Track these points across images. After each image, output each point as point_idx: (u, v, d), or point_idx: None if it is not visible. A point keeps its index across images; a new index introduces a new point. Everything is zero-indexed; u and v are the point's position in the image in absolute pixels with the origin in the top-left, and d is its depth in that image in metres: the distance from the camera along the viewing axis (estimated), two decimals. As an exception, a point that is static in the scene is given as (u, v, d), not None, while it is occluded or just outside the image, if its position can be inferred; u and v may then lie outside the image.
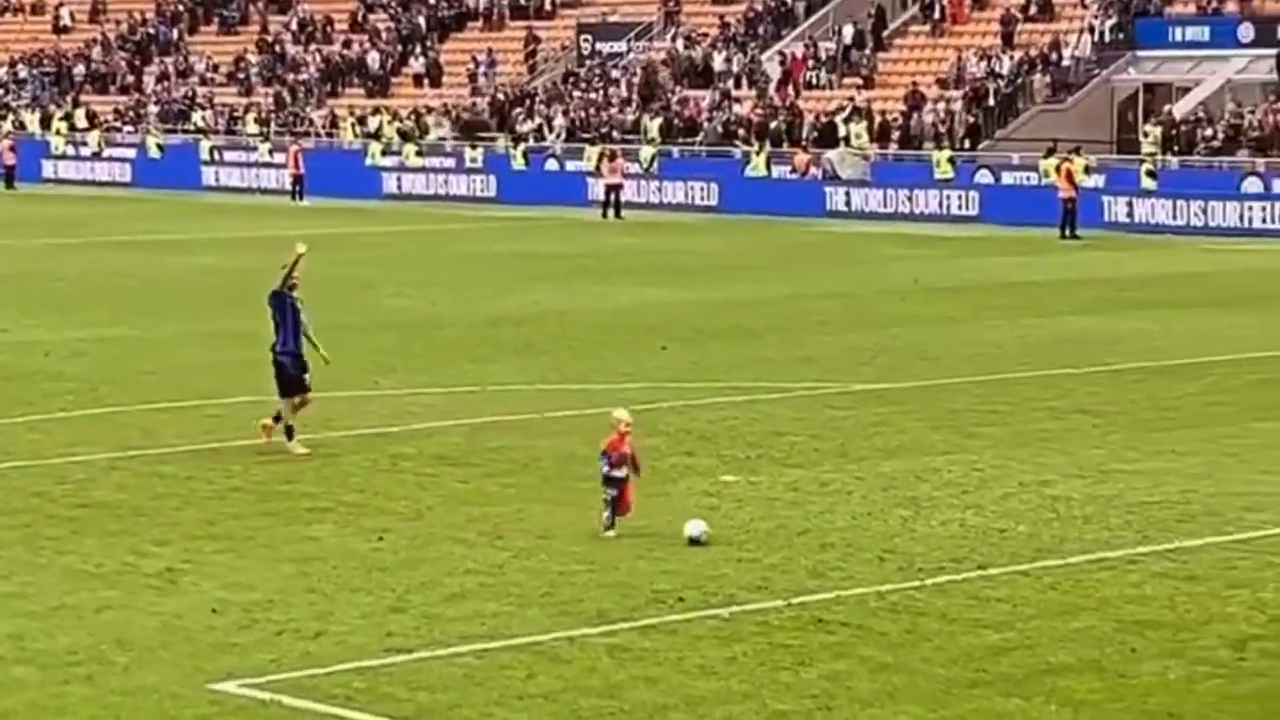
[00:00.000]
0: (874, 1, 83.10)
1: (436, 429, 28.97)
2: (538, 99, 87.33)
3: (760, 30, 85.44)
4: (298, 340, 27.42)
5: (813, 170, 74.05)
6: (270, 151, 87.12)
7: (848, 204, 70.26)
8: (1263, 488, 24.78)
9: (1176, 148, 69.90)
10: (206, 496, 24.68)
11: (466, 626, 18.80)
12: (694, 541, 21.66)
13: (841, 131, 75.76)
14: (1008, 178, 70.49)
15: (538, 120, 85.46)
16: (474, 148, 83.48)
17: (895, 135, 76.30)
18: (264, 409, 28.21)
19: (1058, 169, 64.15)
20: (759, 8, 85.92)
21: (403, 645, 18.16)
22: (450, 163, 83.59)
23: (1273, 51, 71.17)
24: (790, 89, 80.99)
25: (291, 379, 27.23)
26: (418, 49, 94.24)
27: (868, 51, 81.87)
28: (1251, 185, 65.55)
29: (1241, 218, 62.72)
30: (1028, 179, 69.10)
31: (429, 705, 16.52)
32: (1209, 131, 69.62)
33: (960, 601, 19.60)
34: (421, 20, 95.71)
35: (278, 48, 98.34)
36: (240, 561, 21.36)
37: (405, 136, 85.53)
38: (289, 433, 27.13)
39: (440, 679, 17.19)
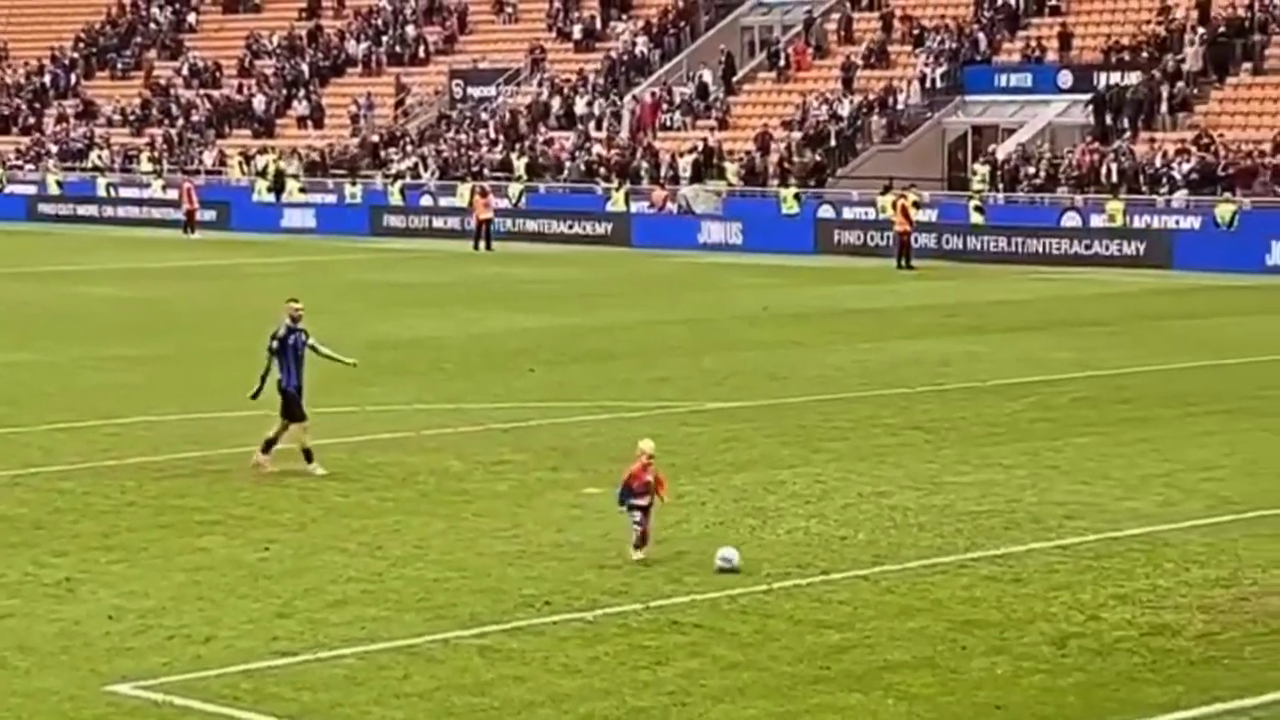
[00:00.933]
0: (724, 50, 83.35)
1: (318, 446, 28.76)
2: (407, 140, 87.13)
3: (617, 77, 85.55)
4: (301, 375, 27.02)
5: (669, 205, 74.21)
6: (164, 188, 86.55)
7: (708, 236, 70.47)
8: (1082, 497, 24.98)
9: (1002, 185, 70.43)
10: (103, 510, 24.46)
11: (347, 631, 18.72)
12: (724, 570, 20.72)
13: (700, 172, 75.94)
14: (848, 213, 70.82)
15: (413, 159, 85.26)
16: (354, 184, 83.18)
17: (744, 173, 76.44)
18: (158, 429, 27.97)
19: (894, 205, 64.56)
20: (614, 57, 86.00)
21: (287, 649, 18.06)
22: (331, 199, 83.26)
23: (1088, 96, 71.83)
24: (643, 132, 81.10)
25: (298, 408, 26.86)
26: (301, 93, 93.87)
27: (720, 95, 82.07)
28: (1070, 219, 66.13)
29: (1061, 249, 63.30)
30: (866, 214, 69.46)
31: (312, 705, 16.43)
32: (1031, 170, 70.19)
33: (805, 604, 19.65)
34: (305, 66, 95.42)
35: (171, 91, 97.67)
36: (134, 571, 21.19)
37: (287, 175, 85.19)
38: (308, 455, 26.72)
39: (323, 680, 17.10)
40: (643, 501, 21.31)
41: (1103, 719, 15.92)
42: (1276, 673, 17.14)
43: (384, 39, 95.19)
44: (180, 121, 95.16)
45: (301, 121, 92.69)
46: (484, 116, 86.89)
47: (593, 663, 17.63)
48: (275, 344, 27.14)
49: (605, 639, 18.38)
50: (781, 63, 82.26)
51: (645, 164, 78.13)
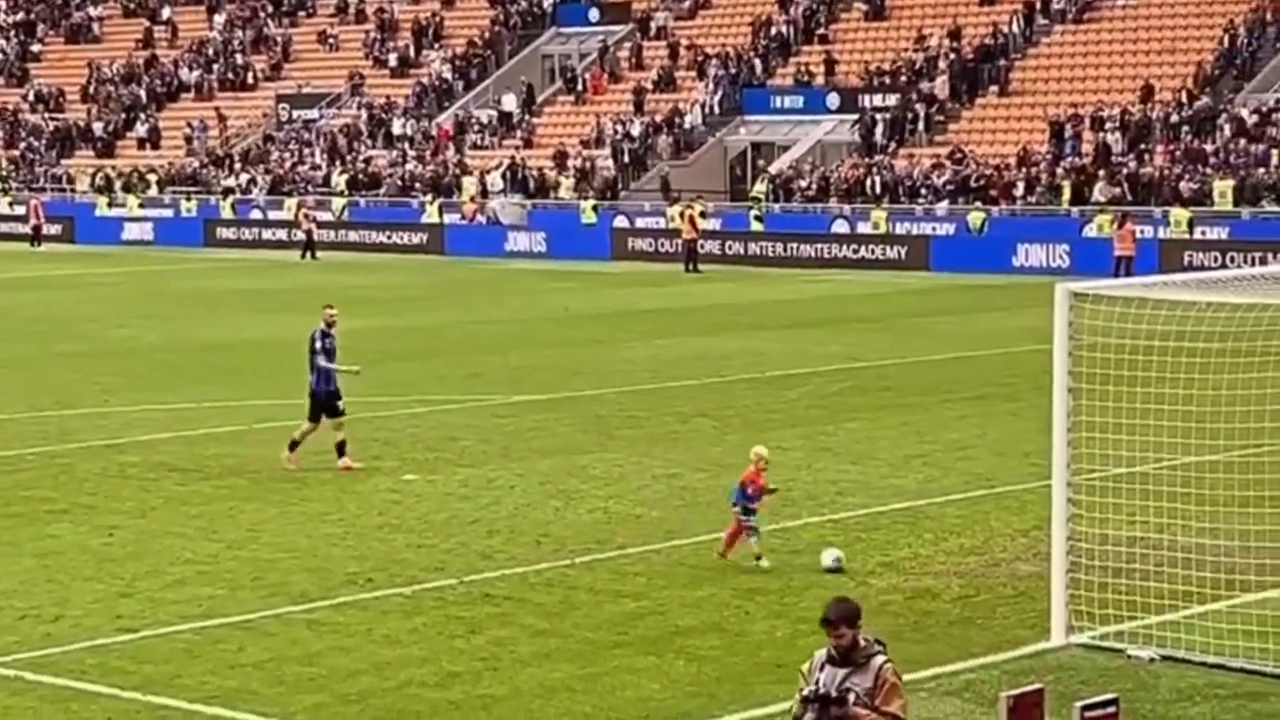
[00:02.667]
0: (524, 80, 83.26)
1: (159, 440, 28.50)
2: (236, 159, 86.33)
3: (427, 101, 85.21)
4: (334, 378, 26.39)
5: (478, 217, 74.01)
6: (11, 204, 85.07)
7: (514, 245, 70.42)
8: (851, 475, 25.20)
9: (779, 196, 70.88)
10: (-42, 502, 24.04)
11: (186, 608, 18.52)
12: (833, 570, 19.57)
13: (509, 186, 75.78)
14: (641, 222, 70.97)
15: (243, 176, 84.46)
16: (189, 199, 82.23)
17: (537, 187, 76.36)
18: (8, 426, 27.49)
19: (682, 215, 64.80)
20: (425, 83, 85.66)
21: (130, 626, 17.84)
22: (168, 213, 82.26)
23: (854, 116, 72.46)
24: (453, 149, 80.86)
25: (332, 408, 26.18)
26: (140, 116, 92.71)
27: (525, 117, 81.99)
28: (839, 226, 66.70)
29: (831, 253, 63.81)
30: (657, 223, 69.64)
31: (153, 676, 16.24)
32: (804, 182, 70.70)
33: (604, 576, 19.69)
34: (143, 92, 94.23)
35: (18, 116, 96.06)
36: (-12, 557, 20.85)
37: (128, 189, 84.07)
38: (340, 449, 25.98)
39: (163, 654, 16.92)
40: (756, 505, 20.08)
41: (871, 674, 16.03)
42: (1024, 630, 17.38)
43: (215, 67, 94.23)
44: (24, 144, 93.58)
45: (140, 143, 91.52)
46: (308, 137, 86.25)
47: (412, 633, 17.56)
48: (319, 345, 26.37)
49: (423, 611, 18.32)
50: (579, 87, 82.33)
51: (456, 178, 77.91)
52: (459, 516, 22.77)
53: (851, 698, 10.88)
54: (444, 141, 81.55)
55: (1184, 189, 61.08)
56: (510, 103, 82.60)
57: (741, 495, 20.08)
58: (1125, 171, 63.15)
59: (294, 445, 26.04)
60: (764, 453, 20.45)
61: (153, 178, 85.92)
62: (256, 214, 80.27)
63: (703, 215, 65.57)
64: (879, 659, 11.04)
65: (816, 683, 11.03)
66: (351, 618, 18.12)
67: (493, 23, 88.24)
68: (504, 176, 76.67)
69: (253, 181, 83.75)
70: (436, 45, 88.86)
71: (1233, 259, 55.02)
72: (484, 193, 75.88)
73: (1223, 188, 60.89)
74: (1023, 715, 9.48)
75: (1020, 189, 64.98)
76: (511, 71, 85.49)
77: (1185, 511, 19.56)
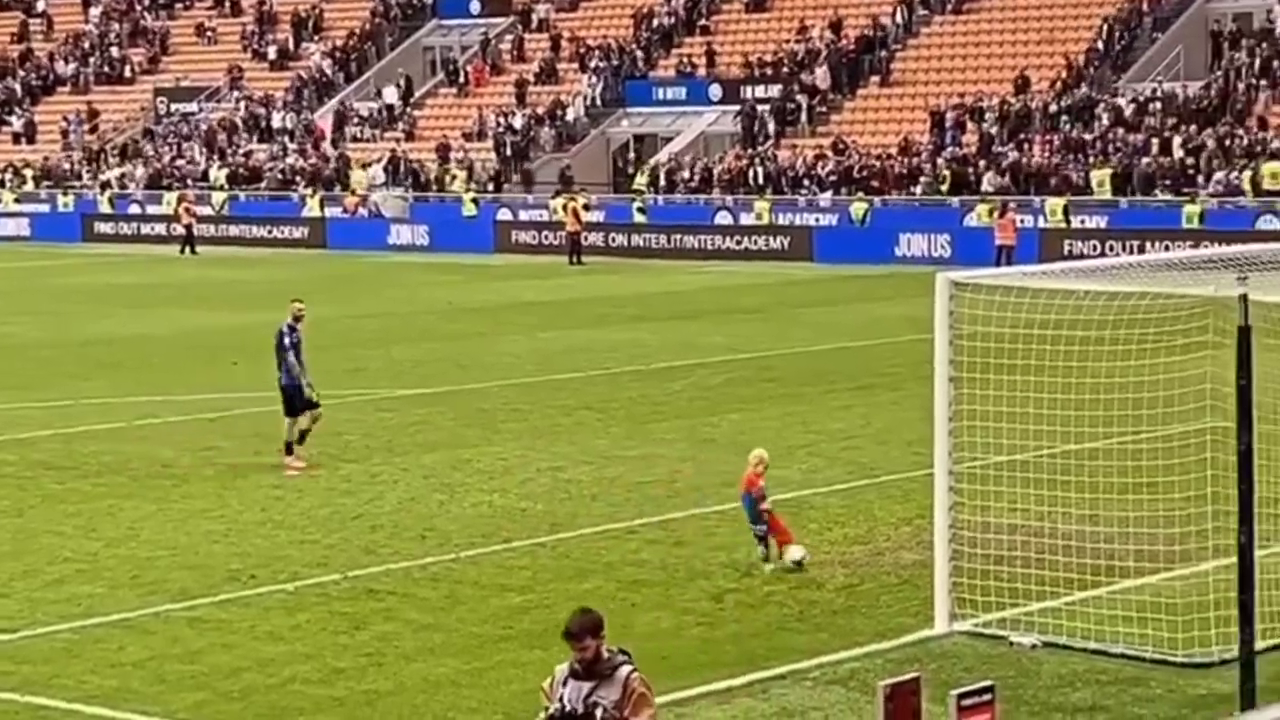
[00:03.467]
0: (403, 73, 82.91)
1: (36, 438, 28.20)
2: (114, 153, 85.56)
3: (307, 94, 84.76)
4: (304, 370, 25.72)
5: (361, 210, 73.69)
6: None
7: (397, 238, 70.18)
8: (736, 466, 25.11)
9: (661, 187, 70.94)
10: None
11: (65, 608, 18.34)
12: (797, 565, 19.20)
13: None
14: (524, 215, 70.88)
15: (121, 170, 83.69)
16: (65, 194, 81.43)
17: (424, 179, 76.12)
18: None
19: (565, 207, 64.77)
20: (304, 76, 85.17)
21: (8, 626, 17.64)
22: (45, 208, 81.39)
23: (736, 108, 72.66)
24: (330, 144, 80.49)
25: (302, 401, 25.61)
26: (15, 111, 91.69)
27: (406, 110, 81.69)
28: (722, 218, 66.84)
29: (715, 245, 63.97)
30: (541, 215, 69.57)
31: (32, 676, 16.07)
32: (687, 174, 70.81)
33: (489, 570, 19.66)
34: (17, 86, 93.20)
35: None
36: None
37: (2, 185, 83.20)
38: (301, 437, 25.59)
39: (42, 654, 16.75)
40: (766, 506, 19.57)
41: (756, 665, 16.12)
42: (908, 618, 17.49)
43: (91, 60, 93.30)
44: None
45: (16, 138, 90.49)
46: (186, 130, 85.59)
47: (295, 630, 17.46)
48: (287, 341, 25.77)
49: (306, 607, 18.23)
50: (461, 79, 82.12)
51: (337, 171, 77.55)
52: (342, 512, 22.67)
53: (599, 712, 10.57)
54: (320, 137, 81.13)
55: (1070, 178, 61.56)
56: (391, 95, 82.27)
57: (749, 499, 19.56)
58: (1007, 161, 63.61)
59: (290, 448, 25.61)
60: (763, 455, 19.93)
61: (29, 172, 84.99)
62: (135, 209, 79.58)
63: (586, 208, 65.56)
64: (625, 669, 10.72)
65: (561, 700, 10.73)
66: (233, 615, 18.00)
67: (373, 14, 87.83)
68: (386, 169, 76.36)
69: (129, 176, 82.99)
70: (316, 38, 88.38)
71: (1111, 247, 55.54)
72: (367, 185, 75.52)
73: (1100, 177, 61.47)
74: (900, 704, 9.54)
75: (906, 179, 65.30)
76: (392, 64, 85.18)
77: (1066, 499, 19.74)
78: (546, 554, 20.37)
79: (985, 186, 62.50)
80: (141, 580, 19.44)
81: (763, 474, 19.67)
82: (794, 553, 19.37)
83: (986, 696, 9.78)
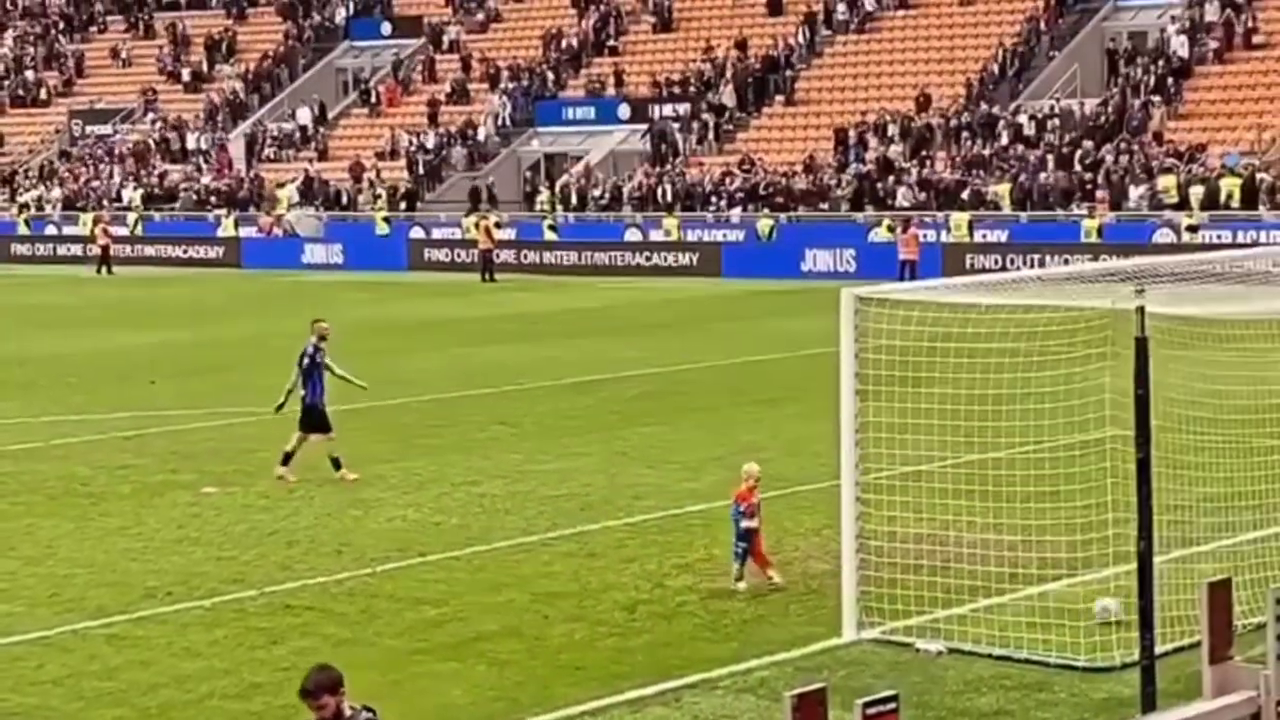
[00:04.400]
0: (316, 99, 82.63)
1: (-47, 458, 27.91)
2: (30, 174, 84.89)
3: (221, 116, 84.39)
4: (323, 391, 25.64)
5: (275, 230, 73.39)
6: None
7: (311, 257, 69.91)
8: (647, 479, 25.27)
9: (573, 204, 70.98)
10: None
11: (-17, 626, 18.15)
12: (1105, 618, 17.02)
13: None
14: (437, 233, 70.76)
15: (36, 192, 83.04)
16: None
17: (344, 199, 75.89)
18: None
19: (477, 225, 64.70)
20: (216, 100, 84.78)
21: (-74, 646, 17.45)
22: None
23: (645, 126, 72.77)
24: (244, 164, 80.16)
25: (323, 421, 25.51)
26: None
27: (319, 130, 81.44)
28: (632, 234, 66.90)
29: (625, 261, 64.04)
30: (453, 234, 69.45)
31: (-49, 696, 15.90)
32: (597, 191, 70.86)
33: (405, 584, 19.59)
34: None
35: None
36: None
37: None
38: (336, 463, 25.38)
39: (-40, 673, 16.56)
40: (754, 523, 18.99)
41: (669, 674, 16.12)
42: (816, 627, 17.52)
43: (5, 83, 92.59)
44: None
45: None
46: (101, 152, 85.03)
47: (213, 645, 17.35)
48: (306, 361, 25.68)
49: (223, 623, 18.10)
50: (373, 100, 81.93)
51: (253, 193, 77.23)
52: (258, 528, 22.53)
53: None
54: (224, 159, 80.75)
55: (977, 193, 61.93)
56: (304, 116, 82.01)
57: (738, 512, 19.04)
58: (912, 178, 63.91)
59: (287, 458, 25.46)
60: (754, 469, 19.30)
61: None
62: (51, 229, 78.99)
63: (498, 225, 65.50)
64: None
65: None
66: (151, 631, 17.86)
67: (286, 36, 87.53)
68: (300, 189, 76.08)
69: (45, 198, 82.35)
70: (230, 60, 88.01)
71: (1012, 261, 55.92)
72: (288, 205, 75.22)
73: (1000, 191, 61.87)
74: (806, 713, 9.55)
75: (813, 196, 65.54)
76: (305, 85, 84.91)
77: (970, 508, 19.83)
78: (462, 567, 20.31)
79: (900, 201, 62.76)
80: (59, 598, 19.26)
81: (755, 489, 19.10)
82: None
83: (891, 705, 9.80)
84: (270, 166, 79.89)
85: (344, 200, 75.22)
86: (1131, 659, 15.00)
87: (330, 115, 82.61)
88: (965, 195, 62.03)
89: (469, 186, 72.81)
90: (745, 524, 18.95)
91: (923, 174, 63.98)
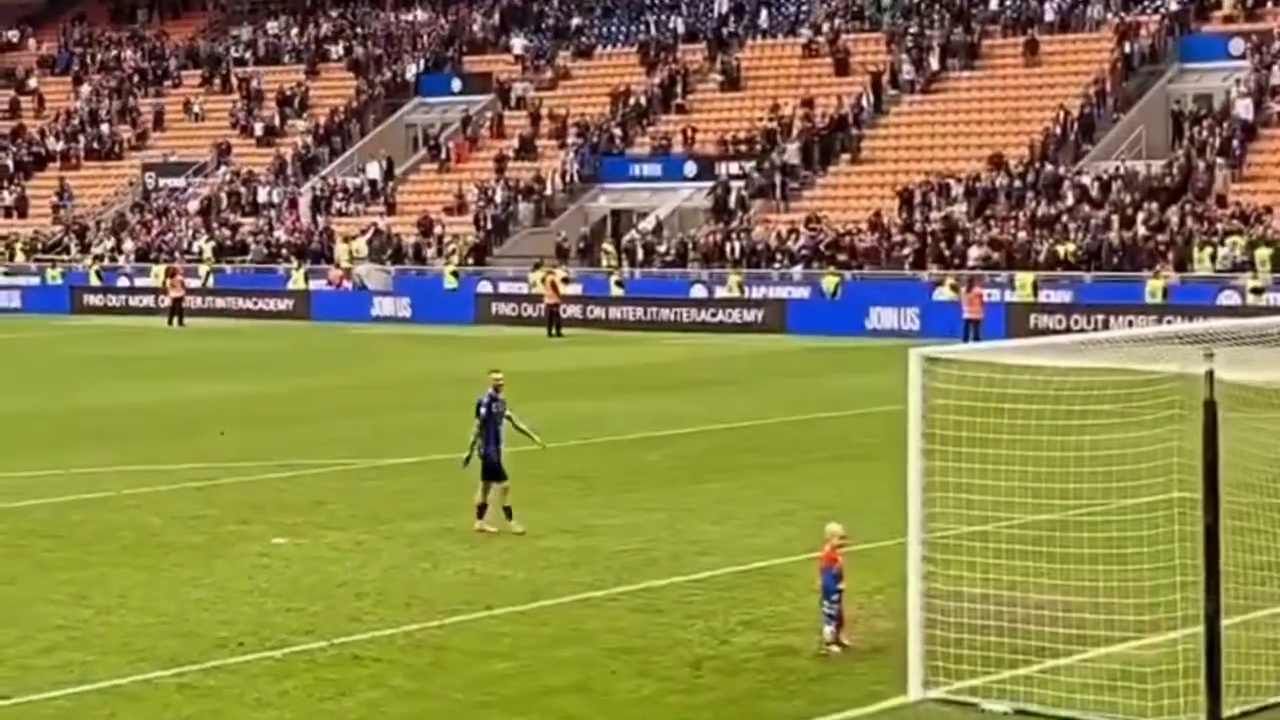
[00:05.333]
0: (384, 154, 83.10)
1: (26, 506, 28.09)
2: (104, 226, 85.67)
3: (291, 171, 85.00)
4: (500, 441, 25.75)
5: (345, 283, 73.75)
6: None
7: (380, 310, 70.26)
8: (713, 535, 25.26)
9: (636, 260, 71.10)
10: None
11: (57, 675, 18.24)
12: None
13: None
14: (504, 287, 71.00)
15: (110, 243, 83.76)
16: (53, 267, 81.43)
17: (412, 253, 76.25)
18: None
19: (543, 280, 64.88)
20: (288, 155, 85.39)
21: (1, 692, 17.53)
22: (35, 280, 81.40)
23: (711, 184, 72.94)
24: (313, 217, 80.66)
25: (498, 470, 25.60)
26: (7, 185, 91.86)
27: (386, 185, 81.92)
28: (698, 291, 66.96)
29: (690, 317, 64.08)
30: (520, 288, 69.68)
31: (25, 743, 15.99)
32: (663, 248, 71.00)
33: (472, 637, 19.60)
34: (10, 161, 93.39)
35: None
36: None
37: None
38: (508, 512, 25.50)
39: (35, 720, 16.66)
40: (843, 585, 18.80)
41: (735, 731, 16.09)
42: (882, 685, 17.46)
43: (81, 137, 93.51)
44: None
45: (8, 211, 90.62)
46: (173, 205, 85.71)
47: (283, 696, 17.39)
48: (483, 411, 25.87)
49: (293, 674, 18.15)
50: (442, 155, 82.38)
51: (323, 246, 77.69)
52: (328, 579, 22.61)
53: None
54: (294, 213, 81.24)
55: (1041, 253, 61.81)
56: (374, 170, 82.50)
57: (831, 577, 18.65)
58: (985, 235, 63.76)
59: (481, 510, 25.51)
60: (839, 529, 19.00)
61: (19, 245, 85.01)
62: (124, 281, 79.60)
63: (565, 281, 65.64)
64: None
65: None
66: (222, 681, 17.93)
67: (357, 92, 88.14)
68: (369, 243, 76.48)
69: (118, 248, 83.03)
70: (302, 115, 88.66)
71: (1076, 321, 55.75)
72: (350, 258, 75.66)
73: (1066, 252, 61.71)
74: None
75: (878, 254, 65.55)
76: (375, 140, 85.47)
77: (1037, 568, 19.74)
78: (527, 621, 20.32)
79: (971, 261, 62.63)
80: (131, 647, 19.35)
81: (841, 548, 18.87)
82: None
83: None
84: (339, 220, 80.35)
85: (406, 254, 75.55)
86: (1198, 722, 14.89)
87: (400, 170, 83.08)
88: (1035, 254, 61.78)
89: (551, 241, 72.91)
90: (839, 585, 18.64)
91: (990, 233, 63.83)
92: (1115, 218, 62.59)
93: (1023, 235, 63.10)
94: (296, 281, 74.72)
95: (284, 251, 78.72)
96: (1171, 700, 16.11)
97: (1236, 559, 16.90)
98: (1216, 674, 14.13)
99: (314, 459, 32.92)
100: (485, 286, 71.32)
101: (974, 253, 63.02)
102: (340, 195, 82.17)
